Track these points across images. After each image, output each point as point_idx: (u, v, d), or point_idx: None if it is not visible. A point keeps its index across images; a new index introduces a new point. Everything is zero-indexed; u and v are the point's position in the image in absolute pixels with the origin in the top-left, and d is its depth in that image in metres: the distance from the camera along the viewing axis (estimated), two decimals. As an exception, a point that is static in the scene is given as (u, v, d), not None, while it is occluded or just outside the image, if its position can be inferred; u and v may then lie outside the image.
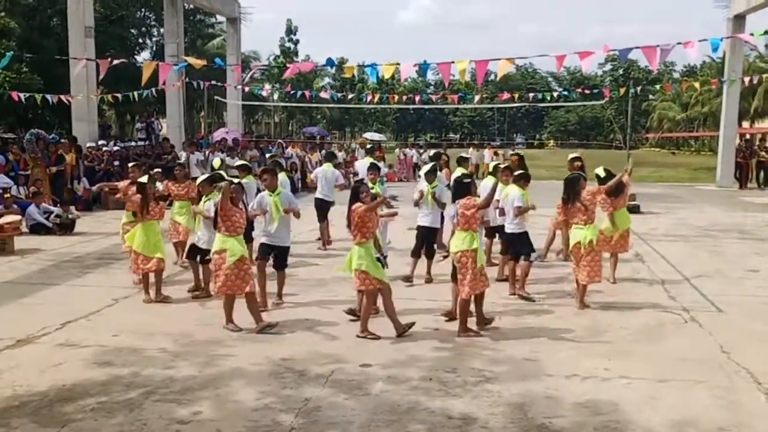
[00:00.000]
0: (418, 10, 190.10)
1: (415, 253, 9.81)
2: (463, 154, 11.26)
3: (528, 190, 9.09)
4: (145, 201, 8.58)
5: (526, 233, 8.97)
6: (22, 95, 16.47)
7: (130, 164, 10.72)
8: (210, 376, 5.98)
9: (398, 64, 10.55)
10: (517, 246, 8.95)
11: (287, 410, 5.25)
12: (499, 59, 9.96)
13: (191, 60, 12.37)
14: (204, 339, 7.01)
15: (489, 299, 8.49)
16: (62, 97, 17.59)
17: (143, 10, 40.35)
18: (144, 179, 8.81)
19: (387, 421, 5.08)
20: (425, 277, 9.70)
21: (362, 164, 12.67)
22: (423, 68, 10.69)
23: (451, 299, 7.81)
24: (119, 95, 18.74)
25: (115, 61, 12.43)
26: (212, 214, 8.89)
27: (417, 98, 29.21)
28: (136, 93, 18.51)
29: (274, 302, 8.35)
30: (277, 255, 8.48)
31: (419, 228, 9.88)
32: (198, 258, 8.94)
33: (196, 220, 9.23)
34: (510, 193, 9.01)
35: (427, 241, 9.82)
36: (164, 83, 14.78)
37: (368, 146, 17.61)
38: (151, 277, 8.68)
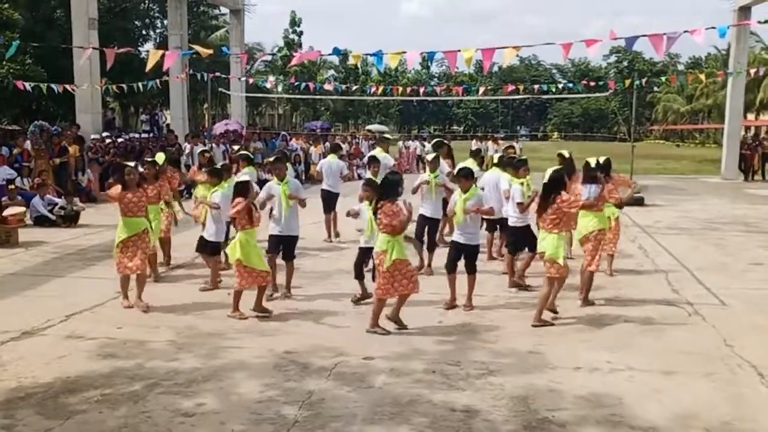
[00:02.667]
0: (422, 2, 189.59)
1: (418, 237, 9.76)
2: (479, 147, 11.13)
3: (527, 178, 9.06)
4: (249, 207, 7.58)
5: (528, 227, 8.92)
6: (27, 84, 16.47)
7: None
8: (214, 368, 5.99)
9: (404, 52, 10.50)
10: (518, 240, 8.92)
11: (291, 403, 5.27)
12: (505, 47, 9.92)
13: (198, 48, 12.35)
14: (208, 331, 7.03)
15: (493, 293, 8.52)
16: (67, 86, 17.59)
17: (147, 1, 40.31)
18: (246, 178, 7.87)
19: (390, 413, 5.09)
20: (426, 270, 9.67)
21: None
22: (429, 57, 10.68)
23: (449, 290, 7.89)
24: (124, 86, 18.74)
25: (121, 50, 12.42)
26: (219, 205, 8.90)
27: (421, 89, 29.09)
28: (140, 84, 18.54)
29: (284, 294, 8.34)
30: (286, 245, 8.43)
31: (420, 216, 9.86)
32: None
33: (203, 212, 9.15)
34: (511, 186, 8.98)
35: (429, 232, 9.78)
36: (167, 71, 14.65)
37: (380, 137, 17.49)
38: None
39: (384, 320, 7.04)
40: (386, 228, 6.89)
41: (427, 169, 10.11)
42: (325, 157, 15.96)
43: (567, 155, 10.04)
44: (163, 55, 11.24)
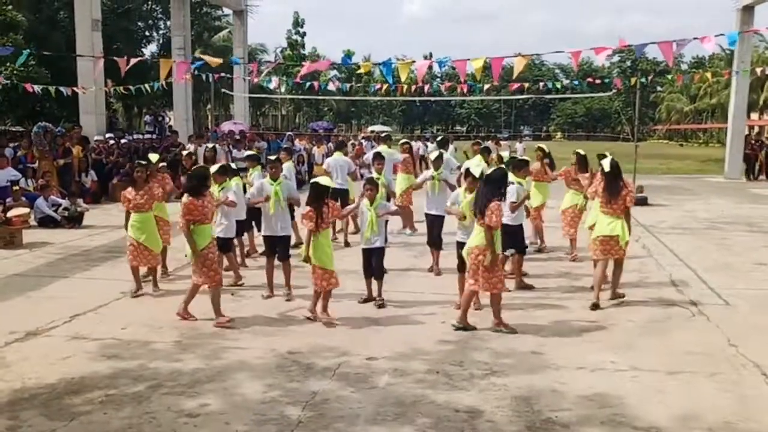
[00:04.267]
0: (423, 2, 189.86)
1: (430, 242, 9.76)
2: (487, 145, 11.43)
3: (526, 179, 9.06)
4: (320, 207, 7.30)
5: (520, 227, 8.86)
6: (37, 87, 16.49)
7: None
8: (217, 368, 6.00)
9: (413, 61, 10.51)
10: (509, 239, 8.81)
11: (294, 403, 5.28)
12: (515, 56, 9.95)
13: (208, 58, 12.37)
14: (211, 332, 7.04)
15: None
16: (75, 89, 17.64)
17: (150, 2, 40.44)
18: (325, 180, 7.53)
19: (393, 414, 5.10)
20: (435, 269, 9.63)
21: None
22: (440, 65, 10.71)
23: (457, 291, 7.86)
24: (132, 88, 18.77)
25: (134, 60, 12.43)
26: (234, 200, 8.72)
27: (426, 87, 28.97)
28: (146, 86, 18.56)
29: (286, 295, 8.32)
30: (279, 245, 8.42)
31: (426, 216, 9.84)
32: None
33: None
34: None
35: (433, 229, 9.75)
36: (181, 77, 14.66)
37: (383, 135, 17.61)
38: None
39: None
40: (495, 224, 6.90)
41: (431, 166, 10.13)
42: (329, 156, 16.01)
43: (546, 150, 11.13)
44: (173, 66, 11.33)
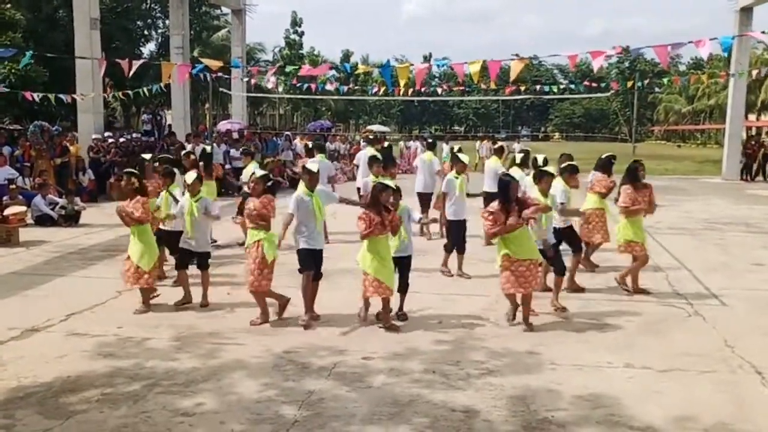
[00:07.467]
0: (421, 2, 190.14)
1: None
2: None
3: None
4: (380, 211, 6.95)
5: (571, 227, 8.57)
6: (36, 95, 16.41)
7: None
8: (213, 368, 5.99)
9: (412, 64, 10.59)
10: (567, 242, 8.51)
11: (290, 402, 5.27)
12: (513, 59, 10.03)
13: (207, 62, 12.38)
14: (207, 331, 7.03)
15: (496, 292, 8.49)
16: (74, 95, 17.64)
17: (148, 1, 40.42)
18: (390, 182, 7.21)
19: (389, 413, 5.09)
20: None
21: (364, 155, 12.59)
22: (438, 67, 10.91)
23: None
24: (130, 92, 18.75)
25: (138, 62, 12.42)
26: (216, 213, 8.08)
27: (424, 87, 28.98)
28: (146, 89, 18.54)
29: (312, 317, 7.56)
30: (318, 260, 7.47)
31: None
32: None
33: (189, 221, 7.89)
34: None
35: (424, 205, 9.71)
36: (182, 81, 14.68)
37: (371, 136, 17.50)
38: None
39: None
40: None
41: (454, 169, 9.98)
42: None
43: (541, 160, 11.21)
44: (174, 69, 11.37)
